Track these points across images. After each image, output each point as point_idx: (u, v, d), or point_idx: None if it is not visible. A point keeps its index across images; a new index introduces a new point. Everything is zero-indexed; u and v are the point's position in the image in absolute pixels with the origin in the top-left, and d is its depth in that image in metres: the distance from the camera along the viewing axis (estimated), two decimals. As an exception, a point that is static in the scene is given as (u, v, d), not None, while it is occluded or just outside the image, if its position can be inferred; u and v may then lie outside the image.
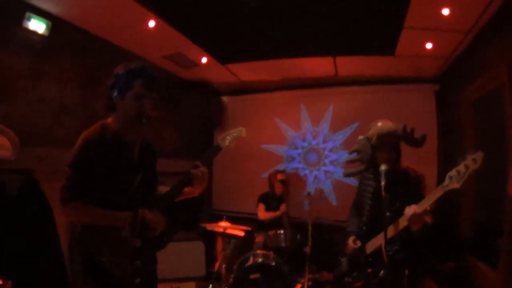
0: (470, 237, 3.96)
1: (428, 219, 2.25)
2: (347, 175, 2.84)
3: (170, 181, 2.17)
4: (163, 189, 2.25)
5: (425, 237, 2.32)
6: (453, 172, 2.02)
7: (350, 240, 2.70)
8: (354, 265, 2.69)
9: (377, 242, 2.46)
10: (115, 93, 2.02)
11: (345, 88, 5.60)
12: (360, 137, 2.65)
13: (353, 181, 4.76)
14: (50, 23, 3.55)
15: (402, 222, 2.27)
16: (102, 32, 4.08)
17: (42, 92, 3.59)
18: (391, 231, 2.33)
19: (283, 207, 4.88)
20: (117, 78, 2.03)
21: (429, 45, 4.05)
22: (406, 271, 2.47)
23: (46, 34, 3.54)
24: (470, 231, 4.01)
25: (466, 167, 1.96)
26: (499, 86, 3.28)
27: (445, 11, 3.28)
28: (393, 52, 4.32)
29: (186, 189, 2.21)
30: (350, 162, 2.72)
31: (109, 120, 2.08)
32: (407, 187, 2.46)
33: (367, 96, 5.45)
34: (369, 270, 2.53)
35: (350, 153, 2.70)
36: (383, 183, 2.27)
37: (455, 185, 2.00)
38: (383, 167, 2.34)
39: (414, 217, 2.17)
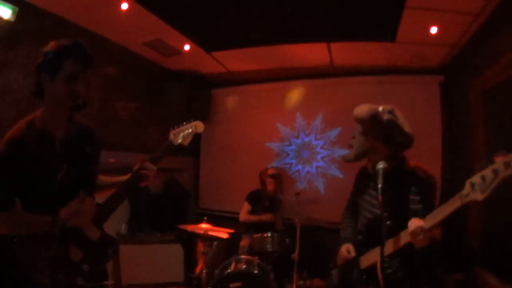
0: (478, 246, 3.67)
1: (437, 235, 1.84)
2: (345, 159, 2.40)
3: (155, 177, 1.99)
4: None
5: (433, 253, 1.94)
6: (476, 179, 1.58)
7: (343, 248, 2.29)
8: (346, 281, 2.28)
9: (373, 256, 2.04)
10: (43, 75, 1.74)
11: (341, 79, 5.30)
12: None
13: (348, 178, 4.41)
14: (16, 8, 3.37)
15: (404, 237, 1.86)
16: (74, 17, 3.86)
17: (8, 82, 3.42)
18: (390, 246, 1.94)
19: (269, 217, 4.52)
20: (46, 58, 1.74)
21: (433, 30, 3.73)
22: None
23: (12, 19, 3.37)
24: (478, 239, 3.71)
25: (495, 173, 1.51)
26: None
27: None
28: (393, 37, 4.01)
29: None
30: (349, 147, 2.33)
31: (37, 113, 1.82)
32: (413, 190, 2.02)
33: (365, 88, 5.13)
34: (362, 288, 2.15)
35: (352, 137, 2.32)
36: (380, 185, 1.85)
37: (478, 196, 1.55)
38: (381, 165, 1.91)
39: (418, 233, 1.74)
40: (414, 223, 1.76)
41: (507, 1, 2.96)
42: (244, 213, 4.59)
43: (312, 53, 4.69)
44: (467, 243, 3.82)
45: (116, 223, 4.36)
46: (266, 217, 4.48)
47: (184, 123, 2.07)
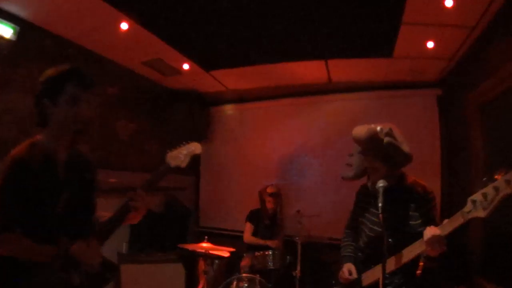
0: (479, 256, 3.63)
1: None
2: (343, 178, 2.45)
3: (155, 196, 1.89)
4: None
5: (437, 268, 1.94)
6: (478, 196, 1.62)
7: (345, 269, 2.29)
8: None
9: (375, 274, 2.06)
10: (45, 101, 1.75)
11: (339, 95, 5.31)
12: None
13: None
14: (17, 28, 3.39)
15: (409, 254, 1.88)
16: (74, 37, 3.89)
17: (9, 102, 3.41)
18: (392, 263, 1.95)
19: (275, 243, 4.44)
20: (46, 84, 1.77)
21: (430, 44, 3.76)
22: None
23: (14, 39, 3.39)
24: (479, 249, 3.66)
25: (496, 190, 1.55)
26: (511, 87, 2.99)
27: (448, 3, 2.99)
28: (391, 53, 4.04)
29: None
30: (347, 165, 2.37)
31: (39, 136, 1.81)
32: (413, 207, 2.05)
33: (363, 103, 5.15)
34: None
35: (349, 156, 2.36)
36: (380, 204, 1.87)
37: (480, 214, 1.59)
38: (381, 184, 1.93)
39: (434, 242, 1.75)
40: (430, 231, 1.77)
41: (502, 13, 3.00)
42: (248, 235, 4.56)
43: (310, 70, 4.71)
44: (468, 252, 3.78)
45: (117, 243, 4.32)
46: (272, 243, 4.39)
47: (181, 145, 2.02)
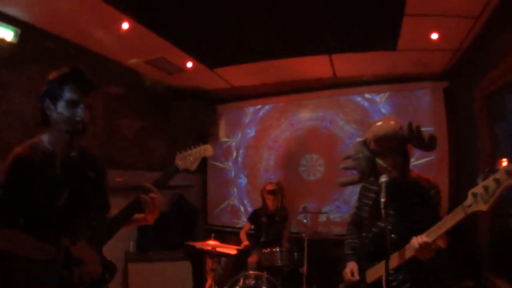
0: (488, 251, 3.63)
1: (441, 243, 1.86)
2: (341, 184, 2.43)
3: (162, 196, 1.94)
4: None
5: (439, 262, 1.93)
6: (478, 189, 1.59)
7: (348, 269, 2.30)
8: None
9: (378, 270, 2.05)
10: (46, 103, 1.81)
11: (344, 89, 5.32)
12: (358, 139, 2.25)
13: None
14: (18, 30, 3.40)
15: (408, 252, 1.87)
16: (75, 38, 3.90)
17: (11, 103, 3.46)
18: (395, 259, 1.93)
19: (253, 258, 4.33)
20: (48, 86, 1.82)
21: (434, 36, 3.74)
22: None
23: (15, 41, 3.39)
24: (488, 244, 3.67)
25: (498, 182, 1.51)
26: None
27: None
28: (395, 46, 4.02)
29: (138, 216, 1.98)
30: (345, 169, 2.33)
31: (42, 135, 1.86)
32: (417, 201, 2.03)
33: (368, 97, 5.19)
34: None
35: (344, 158, 2.31)
36: (383, 199, 1.85)
37: (481, 207, 1.56)
38: (383, 179, 1.93)
39: (423, 248, 1.76)
40: (417, 240, 1.78)
41: (506, 2, 2.96)
42: (242, 232, 4.68)
43: (314, 66, 4.72)
44: (477, 248, 3.78)
45: (125, 242, 4.39)
46: (251, 258, 4.32)
47: (192, 146, 2.03)
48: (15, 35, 3.37)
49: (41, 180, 1.73)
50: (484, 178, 1.56)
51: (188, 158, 1.99)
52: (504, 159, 3.24)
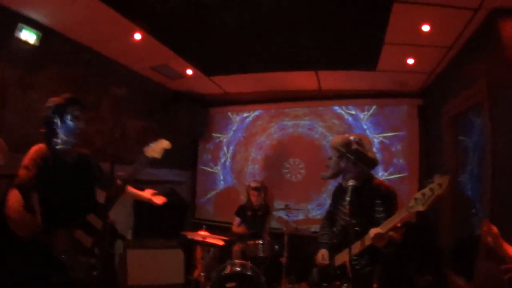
0: (448, 250, 4.01)
1: (395, 236, 2.31)
2: (324, 178, 2.87)
3: (155, 190, 2.75)
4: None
5: (395, 252, 2.39)
6: (418, 195, 2.07)
7: (320, 254, 2.77)
8: (324, 276, 2.76)
9: (344, 256, 2.53)
10: (56, 119, 2.37)
11: (328, 101, 5.72)
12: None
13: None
14: (40, 34, 3.65)
15: (367, 240, 2.34)
16: (91, 43, 4.19)
17: (32, 101, 3.68)
18: (357, 247, 2.41)
19: (241, 229, 4.89)
20: (56, 108, 2.38)
21: (410, 61, 4.13)
22: (375, 286, 2.51)
23: (37, 44, 3.65)
24: (448, 244, 4.06)
25: (432, 191, 2.01)
26: (480, 101, 3.32)
27: (425, 28, 3.35)
28: (374, 67, 4.43)
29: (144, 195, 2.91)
30: (326, 167, 2.79)
31: (47, 143, 2.39)
32: (378, 203, 2.50)
33: (350, 110, 5.59)
34: (337, 283, 2.59)
35: (329, 158, 2.79)
36: (348, 198, 2.32)
37: (420, 208, 2.04)
38: (350, 182, 2.40)
39: (377, 237, 2.23)
40: (373, 231, 2.25)
41: (475, 36, 3.31)
42: (234, 226, 4.99)
43: (301, 79, 5.09)
44: (438, 246, 4.13)
45: (123, 230, 4.70)
46: (240, 229, 4.88)
47: (154, 141, 2.56)
48: (37, 38, 3.62)
49: (51, 174, 2.28)
50: (423, 187, 2.06)
51: (154, 149, 2.52)
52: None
